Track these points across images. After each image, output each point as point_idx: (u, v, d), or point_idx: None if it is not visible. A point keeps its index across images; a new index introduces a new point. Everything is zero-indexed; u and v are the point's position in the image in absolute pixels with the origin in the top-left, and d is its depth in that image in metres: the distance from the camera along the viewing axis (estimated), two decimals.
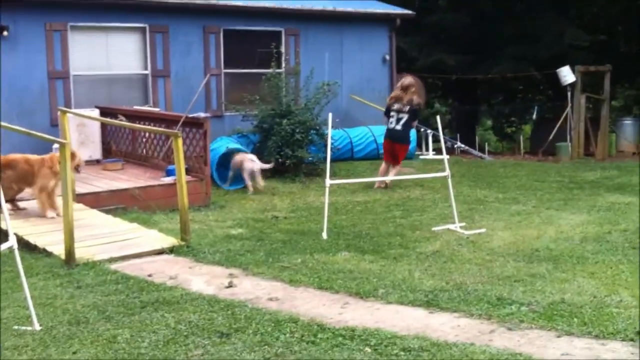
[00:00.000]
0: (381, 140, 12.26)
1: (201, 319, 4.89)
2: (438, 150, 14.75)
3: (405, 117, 10.97)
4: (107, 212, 8.47)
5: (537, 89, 23.35)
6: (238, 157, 10.83)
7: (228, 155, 11.02)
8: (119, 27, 12.30)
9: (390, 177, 10.99)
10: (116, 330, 4.70)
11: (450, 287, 5.60)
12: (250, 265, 6.38)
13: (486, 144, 18.31)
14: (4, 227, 5.05)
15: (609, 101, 16.97)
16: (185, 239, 7.14)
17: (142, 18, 12.39)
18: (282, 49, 13.83)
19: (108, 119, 10.92)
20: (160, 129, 10.17)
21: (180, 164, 7.16)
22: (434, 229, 7.98)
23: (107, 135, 12.04)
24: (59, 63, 11.62)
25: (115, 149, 11.89)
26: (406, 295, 5.38)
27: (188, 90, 12.50)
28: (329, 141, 8.47)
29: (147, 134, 11.09)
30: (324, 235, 7.61)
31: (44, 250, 6.83)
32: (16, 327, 4.79)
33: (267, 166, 11.02)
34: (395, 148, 11.18)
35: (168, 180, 9.56)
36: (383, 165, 11.37)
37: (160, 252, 6.92)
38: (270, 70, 12.62)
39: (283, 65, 13.51)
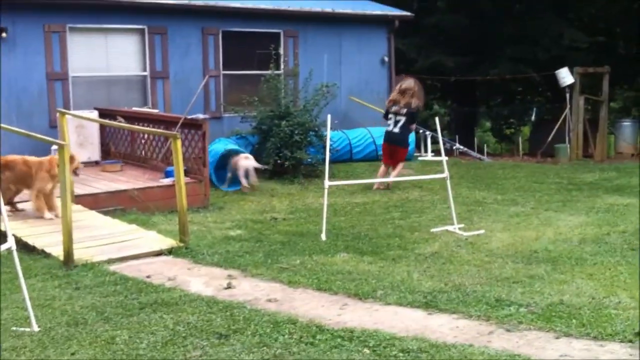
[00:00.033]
0: (380, 141, 12.30)
1: (200, 320, 4.89)
2: (437, 152, 14.78)
3: (402, 119, 11.02)
4: (106, 213, 8.47)
5: (535, 90, 23.36)
6: (235, 158, 10.87)
7: (226, 157, 11.03)
8: (118, 28, 12.31)
9: (391, 179, 11.01)
10: (115, 331, 4.70)
11: (449, 289, 5.60)
12: (249, 267, 6.38)
13: (485, 145, 18.32)
14: (2, 228, 5.03)
15: (607, 102, 16.98)
16: (184, 241, 7.14)
17: (141, 19, 12.39)
18: (281, 51, 13.83)
19: (107, 121, 10.92)
20: (159, 130, 10.17)
21: (179, 166, 7.16)
22: (432, 230, 7.99)
23: (106, 136, 12.03)
24: (57, 64, 11.62)
25: (114, 150, 11.89)
26: (405, 297, 5.39)
27: (187, 92, 12.49)
28: (328, 142, 8.48)
29: (146, 136, 11.09)
30: (323, 236, 7.61)
31: (43, 251, 6.82)
32: (14, 328, 4.79)
33: (260, 166, 11.03)
34: (394, 150, 11.22)
35: (167, 181, 9.56)
36: (382, 167, 11.39)
37: (159, 253, 6.92)
38: (269, 72, 12.63)
39: (282, 66, 13.51)
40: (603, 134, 16.38)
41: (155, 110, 12.30)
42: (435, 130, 10.60)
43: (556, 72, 16.18)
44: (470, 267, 6.34)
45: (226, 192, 10.71)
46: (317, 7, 14.35)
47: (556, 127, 16.20)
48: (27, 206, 8.37)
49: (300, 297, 5.50)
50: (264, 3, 13.61)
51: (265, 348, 4.37)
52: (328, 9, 14.44)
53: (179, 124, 10.03)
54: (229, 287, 5.79)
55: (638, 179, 11.42)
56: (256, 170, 10.92)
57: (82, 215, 8.07)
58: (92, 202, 8.80)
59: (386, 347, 4.33)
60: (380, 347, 4.34)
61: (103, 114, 11.51)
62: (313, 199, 10.29)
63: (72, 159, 7.58)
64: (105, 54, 12.25)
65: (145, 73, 12.58)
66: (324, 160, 8.76)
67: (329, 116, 8.38)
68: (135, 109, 12.07)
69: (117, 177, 10.29)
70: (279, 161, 11.69)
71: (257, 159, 11.17)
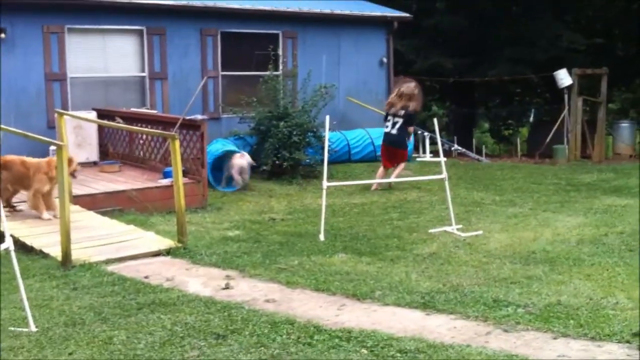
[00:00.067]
0: (378, 142, 12.31)
1: (197, 320, 4.89)
2: (435, 153, 14.77)
3: (400, 121, 11.07)
4: (104, 214, 8.46)
5: (534, 91, 23.40)
6: (232, 157, 10.90)
7: (223, 158, 11.02)
8: (116, 29, 12.30)
9: (392, 179, 11.03)
10: (112, 331, 4.69)
11: (447, 289, 5.60)
12: (247, 267, 6.38)
13: (483, 146, 18.35)
14: (0, 228, 5.03)
15: (605, 104, 17.02)
16: (182, 241, 7.14)
17: (140, 20, 12.39)
18: (280, 52, 13.84)
19: (105, 121, 10.92)
20: (157, 131, 10.17)
21: (177, 166, 7.16)
22: (430, 231, 7.99)
23: (104, 137, 12.03)
24: (56, 65, 11.61)
25: (113, 151, 11.88)
26: (403, 297, 5.39)
27: (185, 93, 12.49)
28: (326, 143, 8.47)
29: (144, 136, 11.09)
30: (321, 237, 7.61)
31: (41, 251, 6.81)
32: (12, 328, 4.78)
33: (252, 162, 11.08)
34: (392, 152, 11.25)
35: (165, 182, 9.56)
36: (381, 168, 11.40)
37: (157, 253, 6.92)
38: (267, 73, 12.63)
39: (280, 67, 13.52)
40: (601, 135, 16.41)
41: (154, 111, 12.30)
42: (433, 131, 10.62)
43: (554, 73, 16.21)
44: (468, 267, 6.34)
45: (224, 192, 10.70)
46: (315, 8, 14.35)
47: (554, 128, 16.23)
48: (25, 207, 8.37)
49: (298, 298, 5.50)
50: (263, 4, 13.62)
51: (263, 348, 4.36)
52: (327, 10, 14.45)
53: (178, 125, 10.03)
54: (227, 287, 5.79)
55: (635, 180, 11.45)
56: (251, 167, 10.94)
57: (80, 216, 8.07)
58: (90, 202, 8.79)
59: (384, 348, 4.33)
60: (378, 348, 4.34)
61: (101, 114, 11.51)
62: (311, 200, 10.29)
63: (70, 161, 7.57)
64: (104, 55, 12.25)
65: (143, 74, 12.58)
66: (322, 161, 8.76)
67: (327, 117, 8.38)
68: (133, 109, 12.07)
69: (115, 177, 10.29)
70: (277, 162, 11.69)
71: (255, 160, 11.16)
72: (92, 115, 11.34)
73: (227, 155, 10.99)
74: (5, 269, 5.79)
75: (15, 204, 8.41)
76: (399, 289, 5.60)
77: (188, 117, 10.71)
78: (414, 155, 14.76)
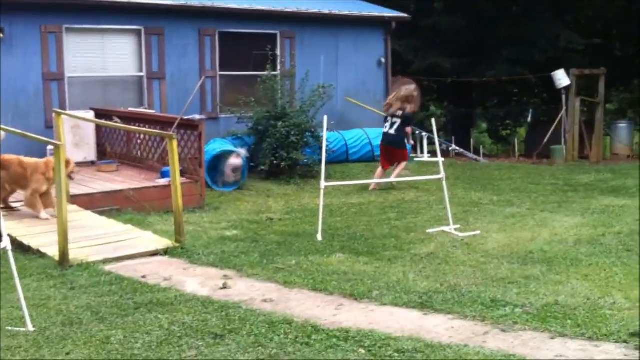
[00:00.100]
0: (376, 142, 12.33)
1: (195, 320, 4.89)
2: (433, 153, 14.78)
3: (398, 121, 11.15)
4: (102, 213, 8.46)
5: (532, 92, 23.41)
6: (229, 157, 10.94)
7: (219, 158, 11.01)
8: (115, 29, 12.29)
9: (392, 179, 11.04)
10: (110, 331, 4.69)
11: (445, 289, 5.60)
12: (245, 267, 6.38)
13: (481, 146, 18.37)
14: None
15: (603, 104, 17.03)
16: (180, 241, 7.14)
17: (138, 20, 12.38)
18: (278, 52, 13.84)
19: (103, 121, 10.91)
20: (155, 130, 10.17)
21: (175, 166, 7.16)
22: (428, 231, 7.99)
23: (102, 137, 12.02)
24: (54, 65, 11.59)
25: (110, 150, 11.87)
26: (400, 297, 5.39)
27: (183, 93, 12.48)
28: (324, 143, 8.48)
29: (142, 136, 11.08)
30: (319, 237, 7.62)
31: (38, 251, 6.81)
32: (10, 328, 4.78)
33: (245, 152, 11.18)
34: (390, 152, 11.29)
35: (163, 182, 9.55)
36: (379, 168, 11.41)
37: (154, 253, 6.91)
38: (265, 73, 12.63)
39: (278, 67, 13.52)
40: (599, 136, 16.42)
41: (152, 111, 12.29)
42: (431, 132, 10.63)
43: (552, 73, 16.22)
44: (465, 267, 6.34)
45: (222, 192, 10.70)
46: (313, 9, 14.34)
47: (552, 128, 16.24)
48: (23, 206, 8.36)
49: (296, 298, 5.50)
50: (261, 4, 13.61)
51: (260, 348, 4.36)
52: (325, 10, 14.44)
53: (175, 125, 10.03)
54: (224, 287, 5.79)
55: (633, 180, 11.47)
56: (249, 167, 10.99)
57: (77, 216, 8.06)
58: (88, 202, 8.79)
59: (381, 347, 4.34)
60: (376, 347, 4.34)
61: (99, 114, 11.50)
62: (309, 200, 10.29)
63: (67, 163, 7.54)
64: (102, 55, 12.23)
65: (141, 74, 12.57)
66: (320, 161, 8.77)
67: (325, 117, 8.39)
68: (131, 109, 12.05)
69: (113, 177, 10.28)
70: (275, 162, 11.69)
71: (253, 160, 11.16)
72: (90, 115, 11.32)
73: (224, 155, 10.99)
74: (2, 269, 5.78)
75: (12, 203, 8.40)
76: (397, 289, 5.60)
77: (186, 117, 10.71)
78: (412, 155, 14.77)
